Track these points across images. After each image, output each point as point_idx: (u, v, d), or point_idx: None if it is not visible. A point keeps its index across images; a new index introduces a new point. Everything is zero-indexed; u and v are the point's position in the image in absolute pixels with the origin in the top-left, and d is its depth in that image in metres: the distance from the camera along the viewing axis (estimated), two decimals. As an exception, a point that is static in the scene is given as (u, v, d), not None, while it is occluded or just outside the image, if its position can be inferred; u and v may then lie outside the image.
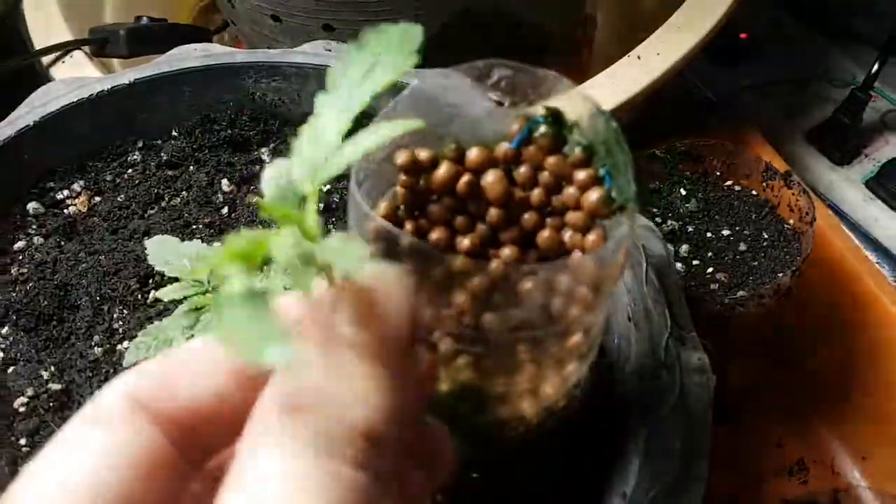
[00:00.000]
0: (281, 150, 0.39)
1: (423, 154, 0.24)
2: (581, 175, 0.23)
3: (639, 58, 0.46)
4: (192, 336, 0.29)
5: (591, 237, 0.24)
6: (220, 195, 0.37)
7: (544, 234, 0.25)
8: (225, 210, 0.36)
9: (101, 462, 0.16)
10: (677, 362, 0.30)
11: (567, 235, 0.25)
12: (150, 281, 0.34)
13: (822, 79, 0.71)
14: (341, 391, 0.16)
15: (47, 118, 0.34)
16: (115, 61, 0.57)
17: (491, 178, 0.24)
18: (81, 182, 0.36)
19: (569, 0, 0.55)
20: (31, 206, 0.35)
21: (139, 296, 0.33)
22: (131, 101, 0.36)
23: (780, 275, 0.44)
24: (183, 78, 0.37)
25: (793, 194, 0.48)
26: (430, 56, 0.55)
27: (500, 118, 0.24)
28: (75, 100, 0.35)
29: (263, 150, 0.39)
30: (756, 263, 0.46)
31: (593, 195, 0.23)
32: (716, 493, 0.30)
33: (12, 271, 0.33)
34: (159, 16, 0.58)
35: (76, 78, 0.36)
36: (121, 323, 0.32)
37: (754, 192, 0.50)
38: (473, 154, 0.24)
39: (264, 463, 0.15)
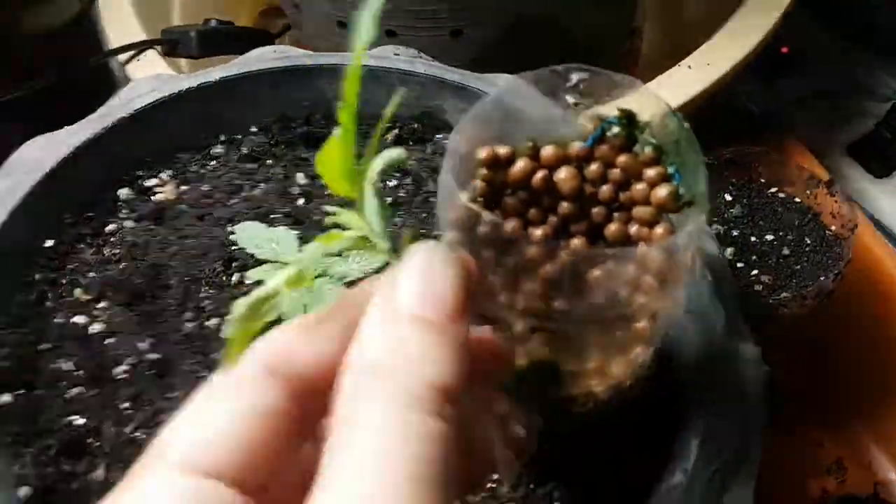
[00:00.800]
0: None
1: (503, 150, 0.27)
2: (650, 172, 0.25)
3: (690, 67, 0.48)
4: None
5: (658, 230, 0.26)
6: (296, 187, 0.39)
7: (612, 227, 0.27)
8: (301, 201, 0.39)
9: (236, 419, 0.18)
10: (733, 352, 0.32)
11: (633, 229, 0.27)
12: (233, 264, 0.36)
13: (863, 93, 0.72)
14: (413, 354, 0.18)
15: (139, 112, 0.37)
16: (183, 61, 0.61)
17: (564, 174, 0.26)
18: (169, 172, 0.39)
19: (619, 12, 0.57)
20: (122, 192, 0.38)
21: (224, 277, 0.36)
22: (216, 98, 0.39)
23: (823, 278, 0.45)
24: (263, 78, 0.40)
25: (835, 202, 0.49)
26: (486, 61, 0.57)
27: (574, 119, 0.26)
28: (165, 95, 0.38)
29: (334, 146, 0.41)
30: (799, 267, 0.47)
31: (662, 191, 0.25)
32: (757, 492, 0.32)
33: (105, 252, 0.36)
34: (223, 19, 0.61)
35: (166, 74, 0.39)
36: (208, 301, 0.35)
37: (797, 200, 0.52)
38: (548, 151, 0.27)
39: (359, 422, 0.17)
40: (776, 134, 0.64)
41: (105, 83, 0.62)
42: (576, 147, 0.26)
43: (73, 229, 0.36)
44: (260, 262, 0.34)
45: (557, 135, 0.27)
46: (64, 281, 0.35)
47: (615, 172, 0.26)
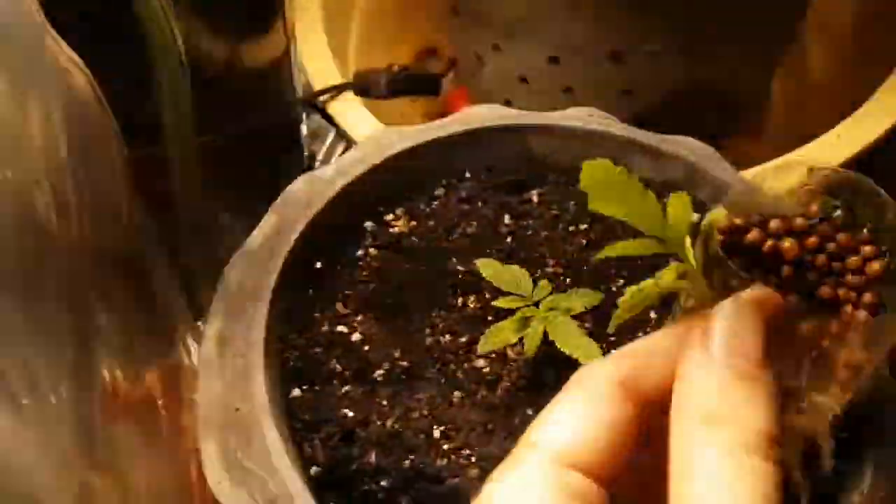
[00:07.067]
0: (545, 194, 0.48)
1: (738, 220, 0.33)
2: (866, 248, 0.31)
3: (838, 136, 0.53)
4: (522, 337, 0.38)
5: (867, 296, 0.32)
6: (503, 227, 0.46)
7: (823, 289, 0.33)
8: (509, 239, 0.46)
9: (598, 425, 0.23)
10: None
11: (842, 292, 0.33)
12: (458, 290, 0.43)
13: None
14: (739, 403, 0.22)
15: (388, 159, 0.45)
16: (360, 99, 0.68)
17: (787, 243, 0.33)
18: (402, 209, 0.46)
19: (764, 74, 0.63)
20: (368, 224, 0.45)
21: (452, 301, 0.43)
22: (443, 149, 0.46)
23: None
24: (483, 132, 0.47)
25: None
26: (648, 119, 0.63)
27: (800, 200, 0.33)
28: (409, 146, 0.45)
29: (533, 192, 0.48)
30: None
31: (875, 265, 0.31)
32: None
33: (357, 274, 0.44)
34: (385, 62, 0.69)
35: (405, 128, 0.47)
36: (440, 320, 0.42)
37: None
38: (774, 223, 0.33)
39: (700, 472, 0.21)
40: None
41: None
42: (799, 222, 0.33)
43: (332, 253, 0.44)
44: (479, 290, 0.42)
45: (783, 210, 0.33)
46: (328, 296, 0.42)
47: (831, 245, 0.32)
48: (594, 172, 0.27)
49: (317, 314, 0.42)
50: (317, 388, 0.39)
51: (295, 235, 0.41)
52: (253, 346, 0.37)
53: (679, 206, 0.27)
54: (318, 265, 0.43)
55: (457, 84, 0.73)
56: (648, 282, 0.28)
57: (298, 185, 0.44)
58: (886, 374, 0.37)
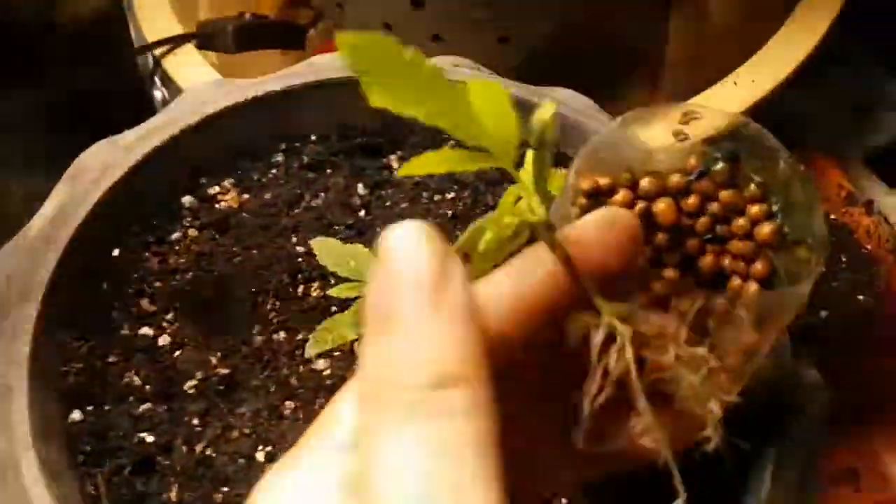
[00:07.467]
0: (406, 158, 0.41)
1: (603, 181, 0.27)
2: (754, 209, 0.26)
3: (735, 83, 0.48)
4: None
5: (757, 266, 0.26)
6: (356, 198, 0.39)
7: (705, 259, 0.27)
8: (362, 213, 0.39)
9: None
10: (799, 378, 0.33)
11: (727, 262, 0.27)
12: (299, 276, 0.36)
13: (883, 106, 0.73)
14: (401, 355, 0.17)
15: (206, 119, 0.37)
16: (213, 54, 0.59)
17: (661, 205, 0.27)
18: (231, 180, 0.38)
19: (657, 18, 0.58)
20: (186, 199, 0.37)
21: (291, 289, 0.35)
22: (278, 107, 0.39)
23: (861, 297, 0.46)
24: (325, 87, 0.39)
25: (872, 222, 0.50)
26: (532, 68, 0.57)
27: (675, 151, 0.27)
28: (232, 102, 0.37)
29: (392, 156, 0.41)
30: (836, 284, 0.48)
31: (765, 228, 0.25)
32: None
33: (170, 261, 0.36)
34: (252, 12, 0.60)
35: (228, 80, 0.39)
36: (275, 314, 0.35)
37: (833, 217, 0.53)
38: (646, 183, 0.27)
39: (374, 458, 0.17)
40: (799, 145, 0.64)
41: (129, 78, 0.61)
42: (675, 179, 0.27)
43: (138, 237, 0.36)
44: (325, 275, 0.35)
45: (655, 166, 0.27)
46: (130, 291, 0.34)
47: (714, 206, 0.27)
48: (367, 49, 0.18)
49: (113, 314, 0.34)
50: (106, 407, 0.31)
51: (80, 217, 0.33)
52: (15, 361, 0.29)
53: (489, 101, 0.19)
54: (116, 252, 0.35)
55: (325, 36, 0.65)
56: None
57: (92, 154, 0.36)
58: (788, 359, 0.32)
